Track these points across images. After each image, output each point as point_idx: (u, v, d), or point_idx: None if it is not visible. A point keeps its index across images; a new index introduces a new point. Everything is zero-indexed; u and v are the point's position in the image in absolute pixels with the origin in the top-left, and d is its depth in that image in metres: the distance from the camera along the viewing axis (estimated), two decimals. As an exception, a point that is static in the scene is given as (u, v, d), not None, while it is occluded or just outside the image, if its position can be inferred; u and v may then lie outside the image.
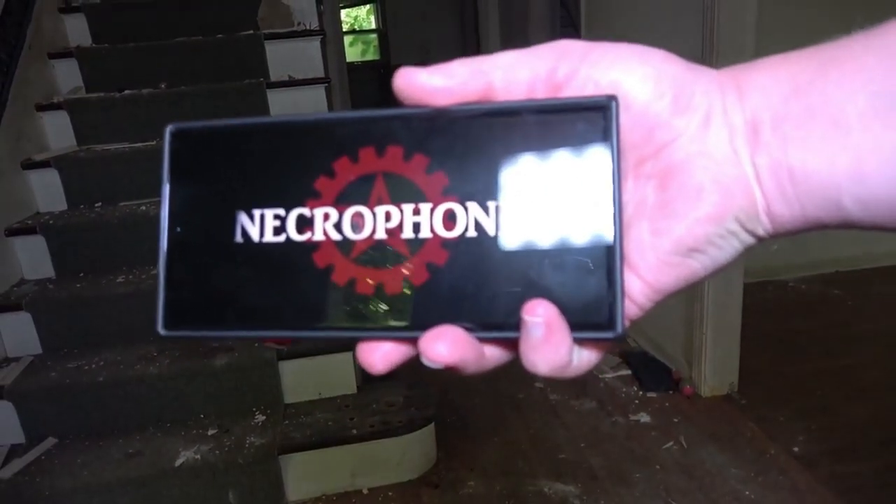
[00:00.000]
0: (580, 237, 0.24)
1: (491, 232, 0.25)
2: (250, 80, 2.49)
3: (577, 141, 0.25)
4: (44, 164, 2.24)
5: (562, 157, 0.25)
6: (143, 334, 2.01)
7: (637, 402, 2.19)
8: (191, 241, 0.28)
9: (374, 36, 6.84)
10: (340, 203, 0.26)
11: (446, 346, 0.24)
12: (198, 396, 1.90)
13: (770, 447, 1.91)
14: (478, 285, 0.25)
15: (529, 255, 0.24)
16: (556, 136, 0.25)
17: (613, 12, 2.59)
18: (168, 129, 0.28)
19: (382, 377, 2.20)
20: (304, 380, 1.96)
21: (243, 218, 0.27)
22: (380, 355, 0.26)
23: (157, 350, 1.95)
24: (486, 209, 0.25)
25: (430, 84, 0.26)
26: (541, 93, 0.26)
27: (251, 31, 2.63)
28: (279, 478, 1.79)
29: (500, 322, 0.25)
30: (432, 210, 0.25)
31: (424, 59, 6.10)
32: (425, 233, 0.25)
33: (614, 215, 0.24)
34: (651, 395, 2.22)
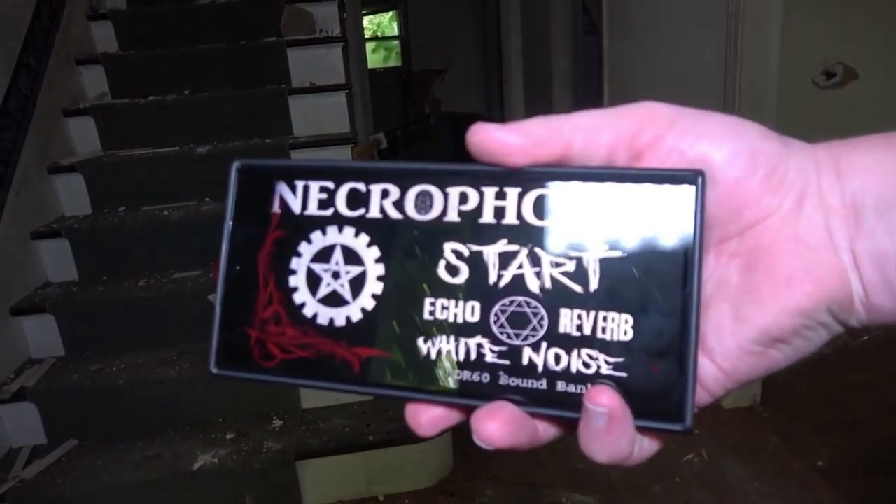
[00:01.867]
0: (653, 317, 0.23)
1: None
2: (272, 86, 2.51)
3: (658, 215, 0.23)
4: (69, 169, 2.28)
5: (639, 231, 0.23)
6: (163, 338, 2.02)
7: (657, 413, 2.16)
8: (249, 281, 0.27)
9: (396, 43, 6.88)
10: None
11: (498, 425, 0.23)
12: (216, 401, 1.91)
13: (793, 461, 1.88)
14: (539, 357, 0.24)
15: (596, 331, 0.23)
16: (635, 207, 0.23)
17: (636, 19, 2.58)
18: (234, 166, 0.28)
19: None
20: (321, 385, 1.96)
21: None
22: (428, 419, 0.25)
23: (177, 354, 1.96)
24: (553, 279, 0.24)
25: (505, 142, 0.24)
26: (621, 157, 0.25)
27: (273, 38, 2.65)
28: (296, 483, 1.79)
29: (559, 400, 0.24)
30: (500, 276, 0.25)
31: (446, 65, 6.10)
32: None
33: (692, 297, 0.22)
34: (671, 406, 2.19)
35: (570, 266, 0.24)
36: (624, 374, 0.23)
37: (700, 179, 0.23)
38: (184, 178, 2.30)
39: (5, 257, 1.96)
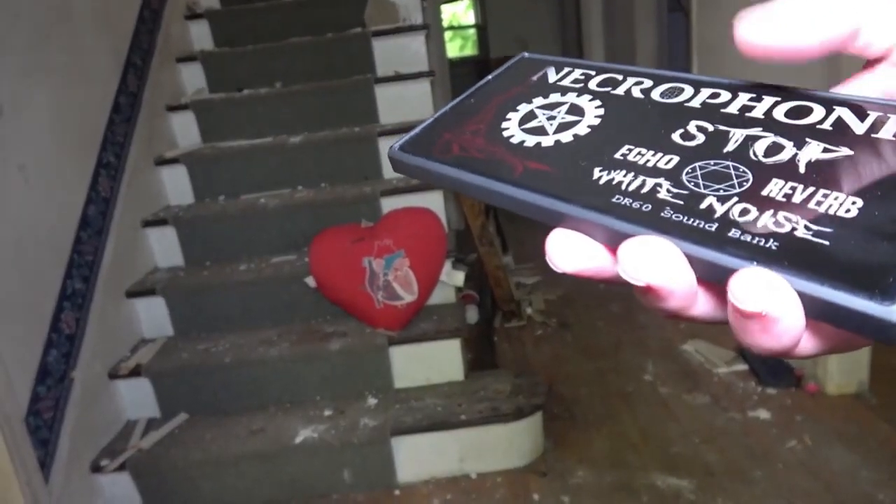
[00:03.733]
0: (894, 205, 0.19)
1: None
2: (359, 76, 2.57)
3: None
4: (173, 161, 2.41)
5: None
6: (263, 319, 2.12)
7: (755, 397, 2.09)
8: (474, 109, 0.29)
9: (471, 31, 6.89)
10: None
11: (651, 253, 0.20)
12: (314, 379, 1.99)
13: (907, 450, 1.78)
14: (722, 206, 0.21)
15: (809, 202, 0.20)
16: None
17: (727, -8, 2.48)
18: (520, 56, 0.32)
19: (489, 366, 2.17)
20: (413, 366, 2.01)
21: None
22: (565, 249, 0.22)
23: (277, 335, 2.05)
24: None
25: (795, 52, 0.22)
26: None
27: (359, 30, 2.71)
28: (391, 459, 1.84)
29: (725, 243, 0.20)
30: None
31: (524, 51, 6.10)
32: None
33: None
34: (770, 391, 2.11)
35: (810, 155, 0.22)
36: (825, 242, 0.19)
37: None
38: (278, 167, 2.40)
39: (120, 244, 2.10)
